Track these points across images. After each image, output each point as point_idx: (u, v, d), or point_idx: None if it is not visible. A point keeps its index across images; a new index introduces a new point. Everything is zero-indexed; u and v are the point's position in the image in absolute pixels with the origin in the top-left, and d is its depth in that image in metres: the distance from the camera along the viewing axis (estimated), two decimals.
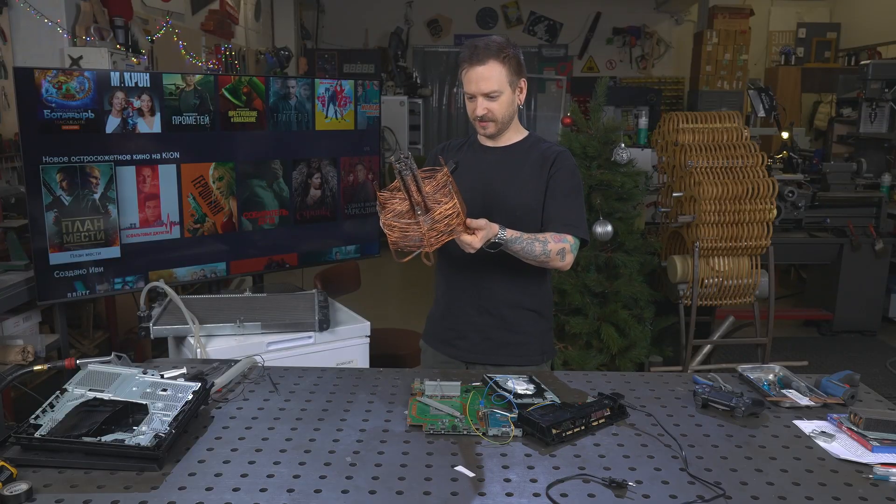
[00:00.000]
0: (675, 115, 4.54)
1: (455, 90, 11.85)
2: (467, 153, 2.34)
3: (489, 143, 2.32)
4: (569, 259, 2.17)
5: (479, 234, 1.92)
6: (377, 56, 10.96)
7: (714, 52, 9.69)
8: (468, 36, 11.15)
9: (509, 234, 2.03)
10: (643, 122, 5.99)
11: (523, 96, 2.25)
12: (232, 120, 3.32)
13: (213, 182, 3.29)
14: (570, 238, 2.17)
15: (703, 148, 4.35)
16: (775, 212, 4.29)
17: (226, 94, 3.29)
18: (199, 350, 2.56)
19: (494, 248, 2.03)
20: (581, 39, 11.84)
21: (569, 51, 11.91)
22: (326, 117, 3.60)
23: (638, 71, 11.88)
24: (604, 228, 4.03)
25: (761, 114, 6.77)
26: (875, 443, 1.59)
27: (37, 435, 1.49)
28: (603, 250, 4.18)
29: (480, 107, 2.18)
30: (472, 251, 1.93)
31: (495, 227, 1.98)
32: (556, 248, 2.13)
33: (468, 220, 1.89)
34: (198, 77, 3.23)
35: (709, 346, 4.83)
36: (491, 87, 2.15)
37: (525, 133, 2.34)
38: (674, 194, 4.42)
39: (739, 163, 4.31)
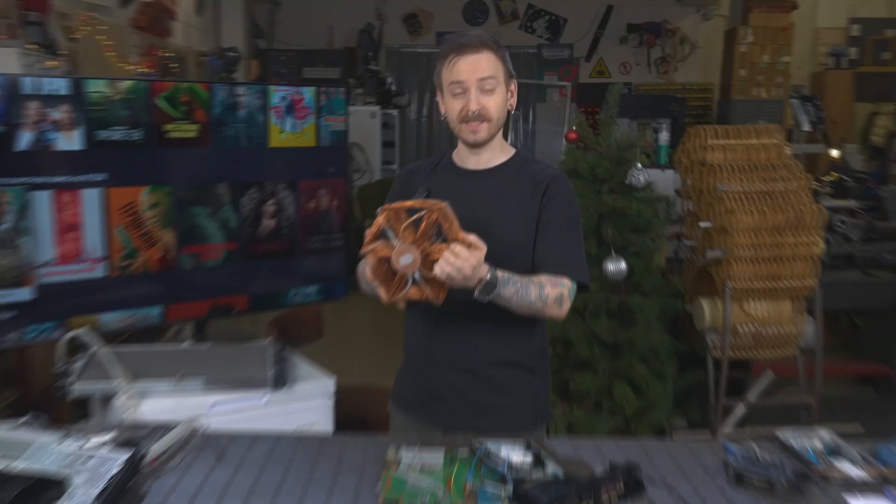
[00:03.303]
0: (702, 129, 4.59)
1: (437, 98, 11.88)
2: (441, 177, 2.32)
3: (468, 166, 2.30)
4: (566, 307, 2.15)
5: (475, 252, 1.89)
6: (344, 58, 11.03)
7: (749, 54, 9.75)
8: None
9: (501, 273, 2.01)
10: (664, 137, 6.05)
11: (514, 101, 2.27)
12: (168, 135, 3.33)
13: (147, 210, 3.31)
14: (567, 282, 2.16)
15: (737, 168, 4.39)
16: (823, 246, 4.33)
17: (161, 103, 3.31)
18: (129, 412, 2.57)
19: (488, 291, 1.99)
20: (589, 38, 11.94)
21: (574, 52, 12.02)
22: (282, 132, 3.62)
23: (658, 76, 11.98)
24: (616, 266, 4.04)
25: (806, 127, 6.87)
26: None
27: None
28: (616, 292, 4.20)
29: (474, 101, 2.16)
30: (469, 270, 1.87)
31: (485, 266, 1.96)
32: (553, 293, 2.11)
33: (462, 234, 1.90)
34: (128, 83, 3.26)
35: (743, 407, 4.84)
36: (488, 72, 2.15)
37: (511, 152, 2.33)
38: (701, 224, 4.45)
39: (780, 186, 4.34)
